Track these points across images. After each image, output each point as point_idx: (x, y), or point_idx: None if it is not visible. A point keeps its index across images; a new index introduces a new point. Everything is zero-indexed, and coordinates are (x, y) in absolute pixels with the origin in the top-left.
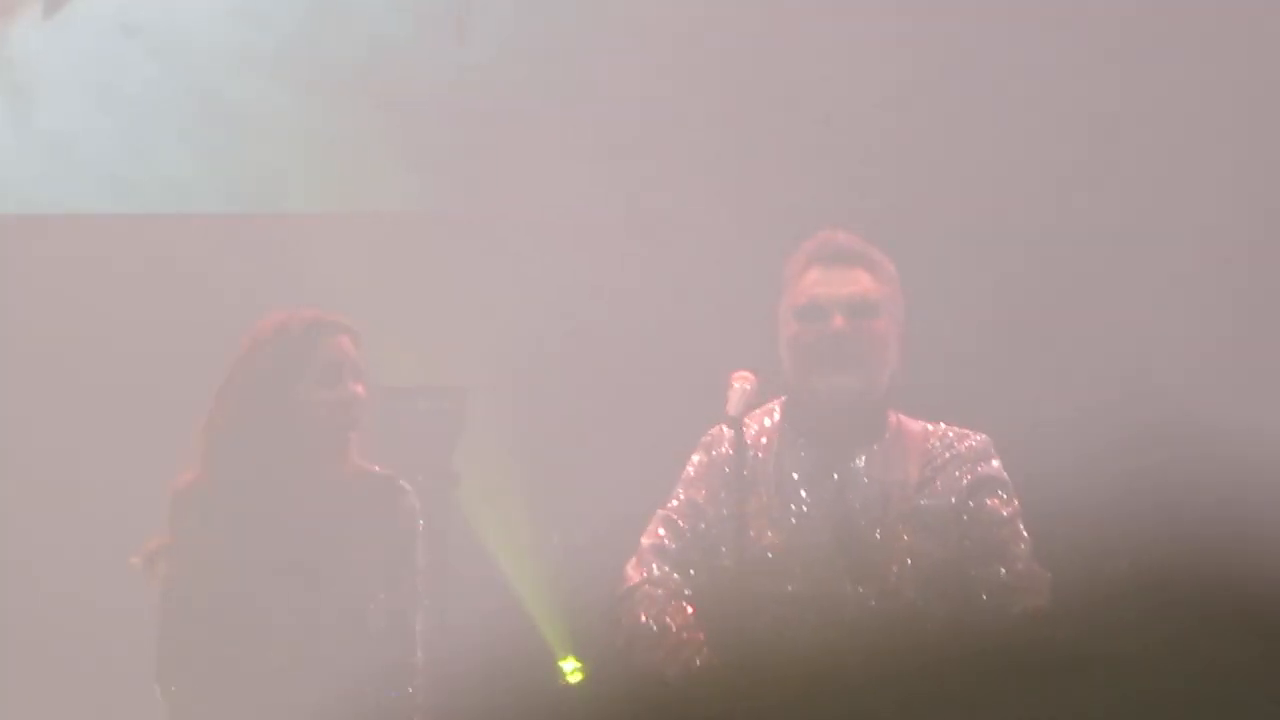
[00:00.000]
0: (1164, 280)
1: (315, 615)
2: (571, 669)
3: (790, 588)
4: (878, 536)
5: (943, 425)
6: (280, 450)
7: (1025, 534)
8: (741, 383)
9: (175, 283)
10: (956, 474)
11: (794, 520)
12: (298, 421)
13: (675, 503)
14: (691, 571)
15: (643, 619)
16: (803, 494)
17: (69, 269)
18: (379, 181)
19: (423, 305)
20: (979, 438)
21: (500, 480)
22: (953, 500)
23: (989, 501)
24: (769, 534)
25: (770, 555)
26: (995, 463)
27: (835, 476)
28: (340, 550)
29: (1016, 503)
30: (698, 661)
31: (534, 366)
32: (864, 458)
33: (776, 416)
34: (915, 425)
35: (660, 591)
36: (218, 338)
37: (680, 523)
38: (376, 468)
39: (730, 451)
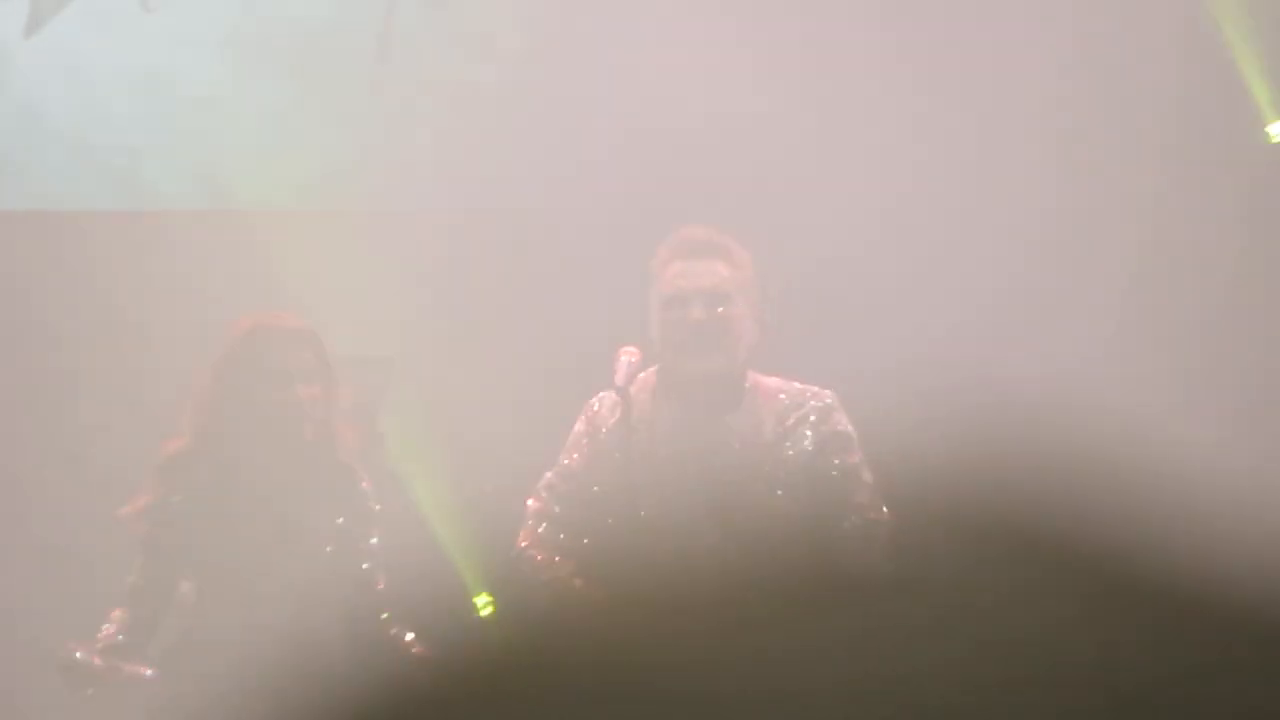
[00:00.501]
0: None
1: (280, 561)
2: (484, 603)
3: (662, 542)
4: (739, 492)
5: (795, 384)
6: (248, 435)
7: (869, 482)
8: (628, 356)
9: (163, 276)
10: (808, 433)
11: (666, 479)
12: (257, 416)
13: (558, 467)
14: (566, 535)
15: (529, 575)
16: (674, 455)
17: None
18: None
19: (360, 289)
20: (826, 395)
21: (420, 439)
22: (804, 457)
23: (835, 459)
24: (644, 493)
25: (643, 514)
26: (841, 418)
27: (702, 439)
28: (302, 509)
29: (860, 455)
30: (574, 584)
31: (452, 339)
32: (726, 420)
33: (651, 385)
34: (768, 382)
35: (540, 556)
36: (195, 324)
37: (561, 486)
38: (342, 452)
39: (610, 418)
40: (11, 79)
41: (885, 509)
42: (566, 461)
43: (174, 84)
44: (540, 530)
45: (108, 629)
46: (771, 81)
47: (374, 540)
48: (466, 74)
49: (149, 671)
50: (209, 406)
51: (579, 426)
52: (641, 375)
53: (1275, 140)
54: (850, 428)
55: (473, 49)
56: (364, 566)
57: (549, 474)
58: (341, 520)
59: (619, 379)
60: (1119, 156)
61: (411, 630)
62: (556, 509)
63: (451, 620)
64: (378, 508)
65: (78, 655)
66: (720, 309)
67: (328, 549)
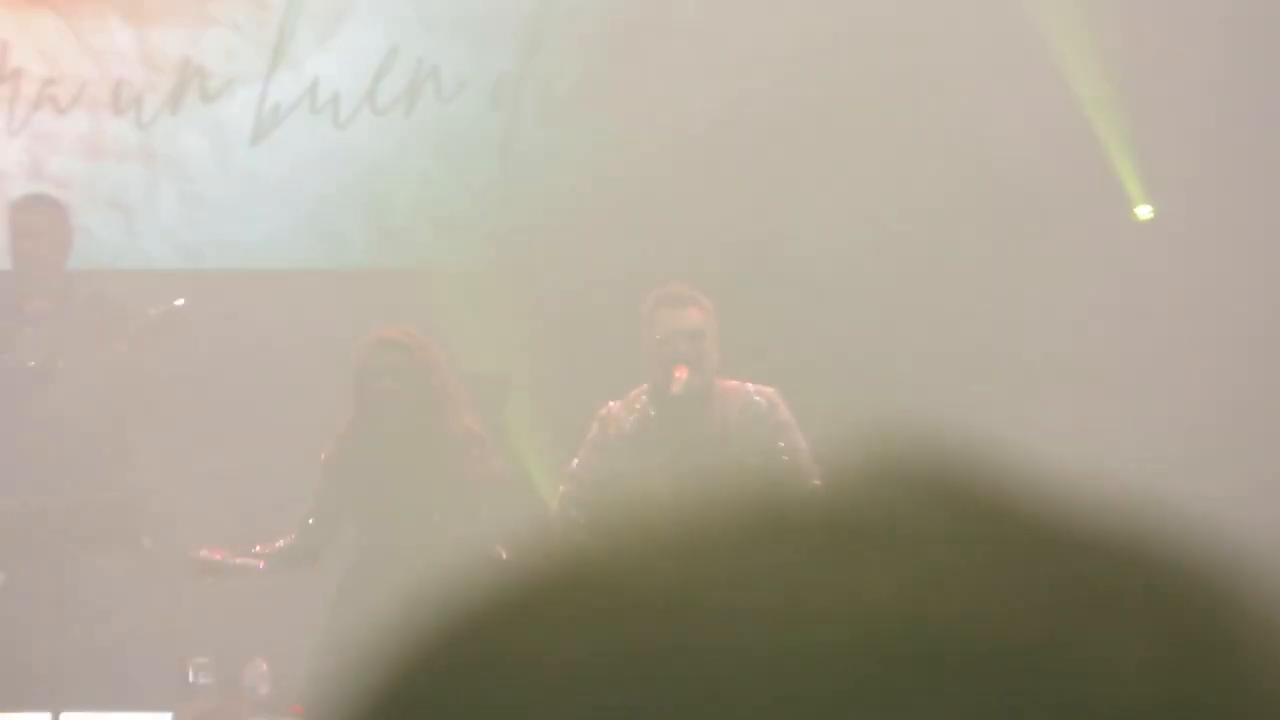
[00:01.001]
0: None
1: (408, 519)
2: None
3: (659, 498)
4: (713, 465)
5: (748, 385)
6: (362, 415)
7: (809, 460)
8: (680, 373)
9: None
10: (759, 429)
11: (662, 459)
12: (361, 400)
13: (576, 462)
14: (578, 515)
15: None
16: (662, 448)
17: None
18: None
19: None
20: (768, 391)
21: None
22: (760, 441)
23: (781, 442)
24: (649, 468)
25: (648, 481)
26: (783, 408)
27: (687, 432)
28: (417, 476)
29: (802, 439)
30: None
31: (539, 361)
32: (702, 416)
33: (644, 399)
34: (727, 385)
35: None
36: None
37: (582, 475)
38: (460, 429)
39: (619, 419)
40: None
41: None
42: (583, 458)
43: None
44: (566, 514)
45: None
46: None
47: (482, 508)
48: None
49: (262, 565)
50: (351, 393)
51: (594, 427)
52: (634, 391)
53: (1142, 219)
54: (790, 416)
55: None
56: (477, 529)
57: (569, 468)
58: (451, 487)
59: (675, 389)
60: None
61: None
62: (575, 494)
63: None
64: (481, 484)
65: (209, 554)
66: (697, 344)
67: (439, 514)
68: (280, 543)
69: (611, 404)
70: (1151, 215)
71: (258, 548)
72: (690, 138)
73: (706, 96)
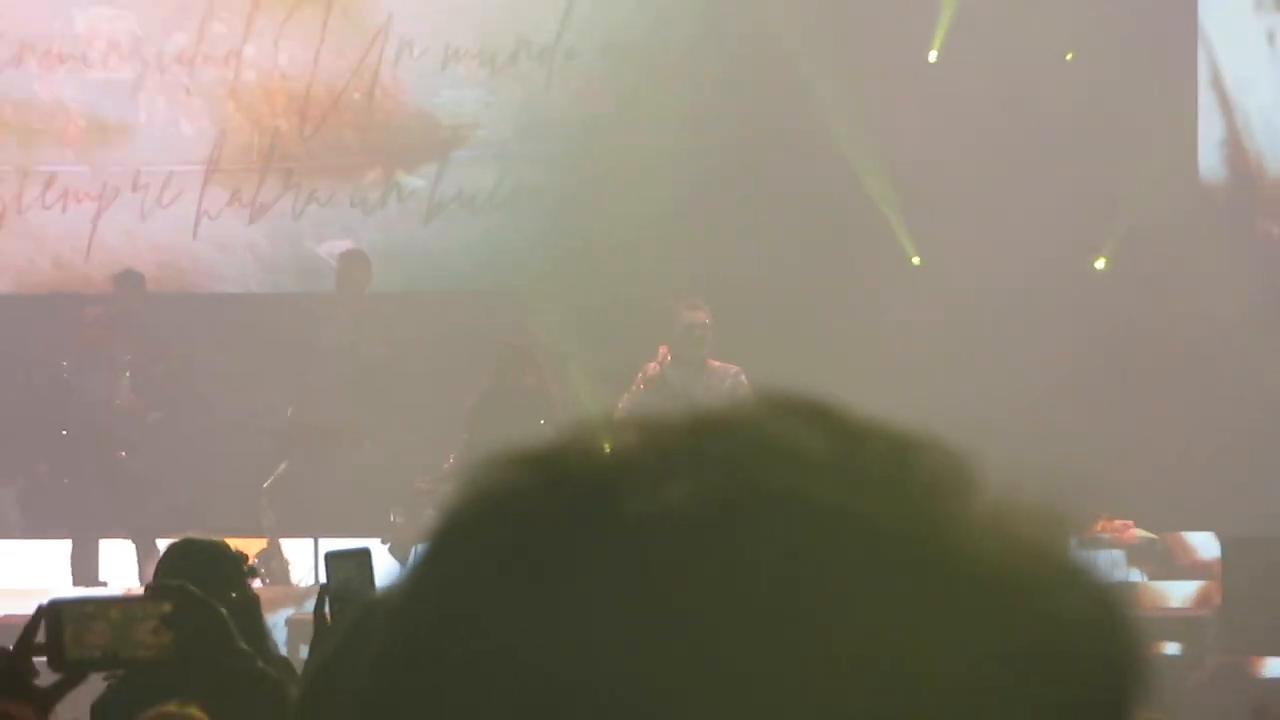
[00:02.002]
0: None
1: None
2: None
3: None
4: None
5: (729, 365)
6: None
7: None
8: (663, 351)
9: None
10: (729, 385)
11: (671, 398)
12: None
13: (625, 395)
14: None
15: None
16: (675, 389)
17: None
18: None
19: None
20: (735, 368)
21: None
22: (728, 393)
23: (740, 391)
24: (668, 402)
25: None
26: (744, 378)
27: (694, 385)
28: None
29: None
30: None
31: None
32: (701, 377)
33: (669, 360)
34: (713, 363)
35: None
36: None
37: (629, 401)
38: (552, 407)
39: (651, 375)
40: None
41: None
42: (635, 391)
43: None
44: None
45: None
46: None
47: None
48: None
49: None
50: None
51: (640, 374)
52: (663, 351)
53: (916, 263)
54: (747, 383)
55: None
56: None
57: (625, 395)
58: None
59: (647, 369)
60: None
61: None
62: (629, 404)
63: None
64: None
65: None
66: (704, 332)
67: None
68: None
69: (648, 365)
70: (1105, 266)
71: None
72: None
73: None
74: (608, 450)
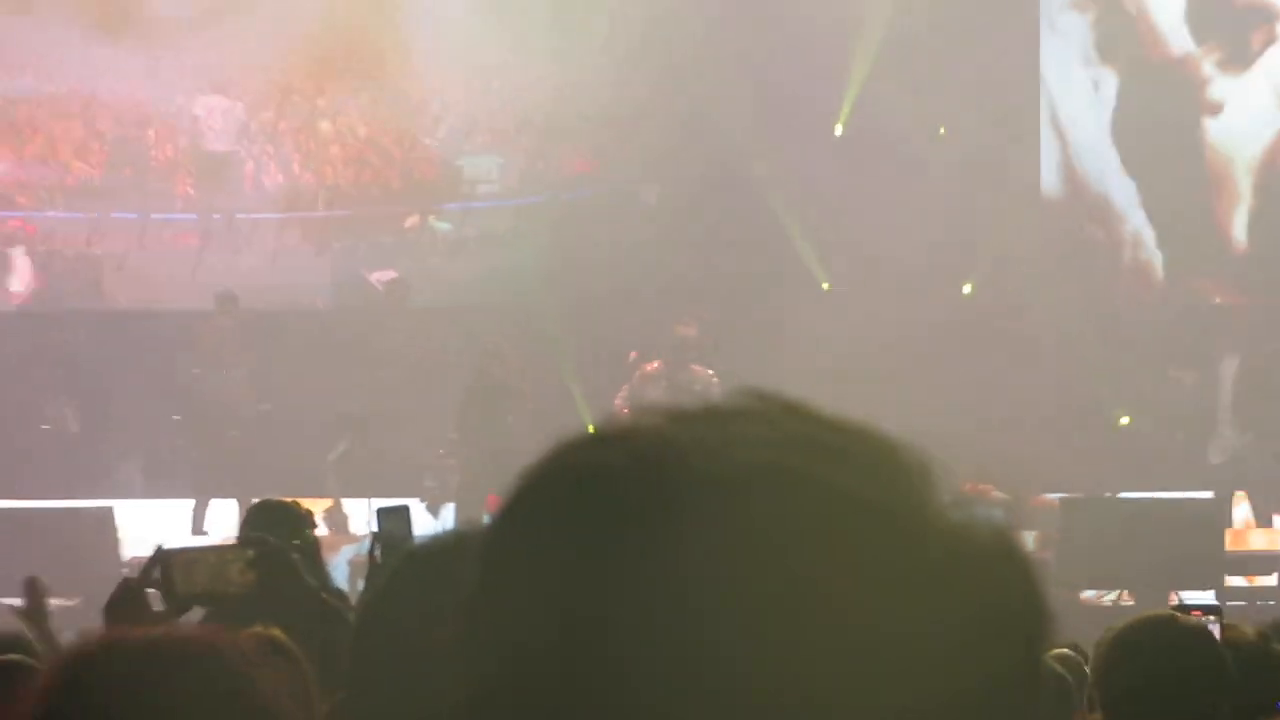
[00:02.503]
0: None
1: None
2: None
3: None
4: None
5: (703, 368)
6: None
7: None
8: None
9: None
10: (707, 385)
11: (662, 392)
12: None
13: (626, 388)
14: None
15: None
16: (670, 386)
17: None
18: None
19: None
20: (710, 372)
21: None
22: (706, 390)
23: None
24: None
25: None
26: (716, 380)
27: (681, 381)
28: None
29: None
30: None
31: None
32: (688, 376)
33: (659, 364)
34: (693, 368)
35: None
36: None
37: (626, 394)
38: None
39: (645, 378)
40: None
41: None
42: (629, 389)
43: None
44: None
45: None
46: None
47: None
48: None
49: None
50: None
51: (636, 374)
52: (655, 361)
53: (826, 287)
54: (719, 385)
55: None
56: None
57: (626, 386)
58: None
59: (648, 368)
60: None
61: None
62: (626, 396)
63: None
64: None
65: None
66: (694, 343)
67: None
68: None
69: (646, 365)
70: (971, 291)
71: None
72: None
73: None
74: (656, 431)
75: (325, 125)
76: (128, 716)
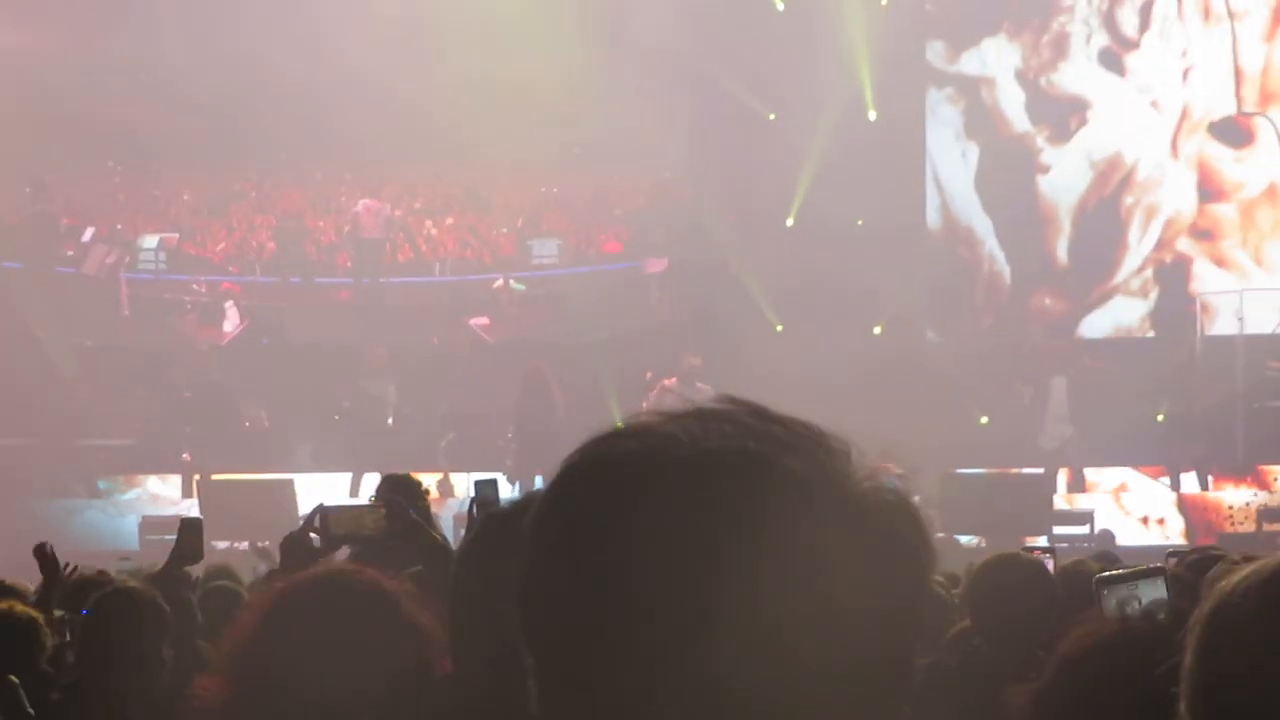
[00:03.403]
0: None
1: None
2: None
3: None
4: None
5: (706, 387)
6: None
7: None
8: (668, 381)
9: None
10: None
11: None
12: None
13: (652, 396)
14: None
15: None
16: (678, 399)
17: None
18: None
19: None
20: (710, 389)
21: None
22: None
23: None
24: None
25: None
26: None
27: (687, 394)
28: None
29: None
30: None
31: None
32: (692, 391)
33: (676, 382)
34: (700, 386)
35: None
36: None
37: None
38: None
39: (668, 388)
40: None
41: None
42: (652, 399)
43: None
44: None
45: None
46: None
47: None
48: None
49: None
50: None
51: (658, 388)
52: (674, 379)
53: (779, 329)
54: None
55: None
56: None
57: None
58: None
59: (667, 383)
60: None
61: None
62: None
63: None
64: None
65: None
66: (699, 369)
67: None
68: None
69: (665, 381)
70: (880, 332)
71: None
72: None
73: None
74: (660, 426)
75: (443, 223)
76: (319, 629)
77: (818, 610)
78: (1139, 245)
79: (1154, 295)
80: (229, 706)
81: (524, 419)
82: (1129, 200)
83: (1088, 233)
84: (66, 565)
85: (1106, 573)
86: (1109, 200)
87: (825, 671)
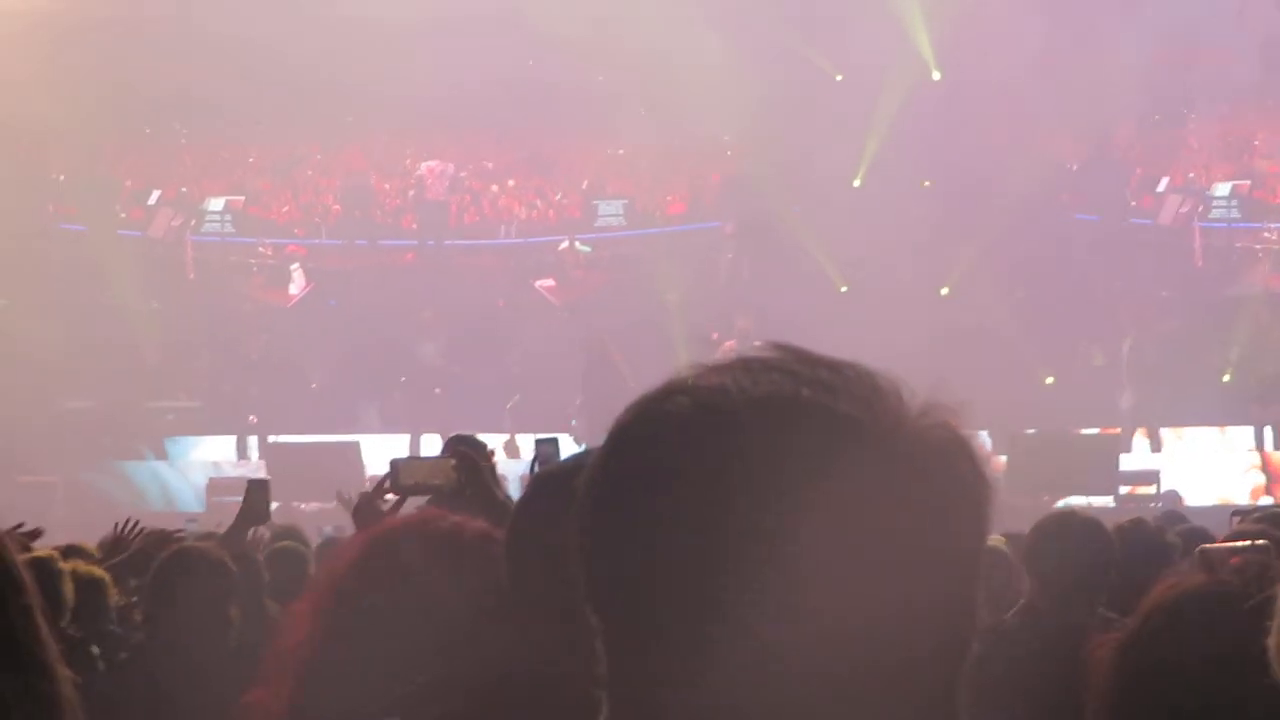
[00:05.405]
0: None
1: None
2: None
3: None
4: None
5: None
6: None
7: None
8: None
9: None
10: None
11: None
12: None
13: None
14: None
15: None
16: None
17: None
18: None
19: None
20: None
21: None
22: None
23: None
24: None
25: None
26: None
27: None
28: None
29: None
30: None
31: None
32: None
33: (733, 342)
34: (755, 344)
35: None
36: None
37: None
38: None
39: (728, 349)
40: None
41: None
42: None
43: None
44: None
45: None
46: None
47: None
48: None
49: None
50: None
51: (722, 348)
52: (732, 340)
53: (844, 290)
54: None
55: None
56: None
57: None
58: None
59: (727, 345)
60: None
61: None
62: None
63: None
64: None
65: None
66: (752, 332)
67: None
68: None
69: (726, 343)
70: (947, 293)
71: None
72: None
73: None
74: (710, 379)
75: (508, 184)
76: (413, 569)
77: (879, 551)
78: None
79: None
80: (319, 653)
81: (590, 390)
82: None
83: None
84: (129, 523)
85: (1208, 546)
86: None
87: (888, 613)
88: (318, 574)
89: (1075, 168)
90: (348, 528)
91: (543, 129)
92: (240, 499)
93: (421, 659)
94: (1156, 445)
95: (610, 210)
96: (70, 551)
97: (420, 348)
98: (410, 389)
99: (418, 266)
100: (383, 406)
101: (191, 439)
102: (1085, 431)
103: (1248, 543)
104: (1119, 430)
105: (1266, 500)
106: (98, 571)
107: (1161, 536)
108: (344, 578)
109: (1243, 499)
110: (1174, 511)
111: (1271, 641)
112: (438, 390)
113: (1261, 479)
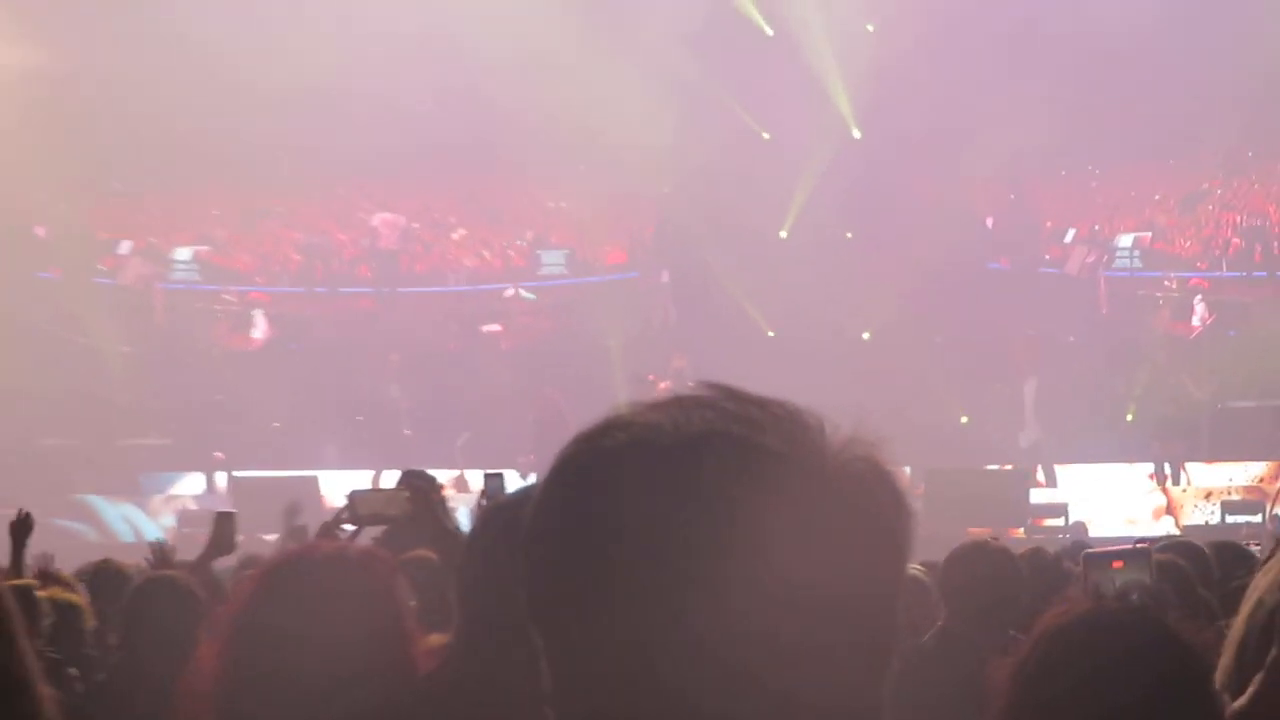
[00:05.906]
0: None
1: None
2: None
3: None
4: None
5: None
6: None
7: None
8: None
9: None
10: None
11: None
12: None
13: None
14: None
15: None
16: None
17: None
18: None
19: None
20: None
21: None
22: None
23: None
24: None
25: None
26: None
27: None
28: None
29: None
30: None
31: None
32: None
33: (669, 383)
34: (688, 384)
35: None
36: None
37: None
38: None
39: (663, 390)
40: None
41: None
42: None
43: None
44: None
45: None
46: None
47: None
48: None
49: None
50: None
51: (658, 389)
52: (668, 381)
53: (770, 335)
54: None
55: None
56: None
57: None
58: None
59: (662, 386)
60: None
61: None
62: None
63: None
64: None
65: None
66: (686, 372)
67: None
68: None
69: (660, 384)
70: (869, 337)
71: None
72: None
73: None
74: (643, 416)
75: (457, 235)
76: (307, 601)
77: (804, 574)
78: None
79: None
80: (226, 669)
81: (543, 447)
82: None
83: None
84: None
85: (1092, 550)
86: None
87: (814, 636)
88: (217, 615)
89: (990, 221)
90: None
91: (490, 185)
92: (209, 530)
93: (320, 683)
94: (1052, 481)
95: (553, 260)
96: (49, 578)
97: (385, 389)
98: (367, 428)
99: (374, 312)
100: (341, 444)
101: (163, 475)
102: (996, 467)
103: (1129, 546)
104: (1012, 467)
105: (1167, 520)
106: (74, 597)
107: (1059, 564)
108: (239, 608)
109: (1146, 526)
110: (1080, 541)
111: (1218, 678)
112: (407, 431)
113: (1163, 502)
